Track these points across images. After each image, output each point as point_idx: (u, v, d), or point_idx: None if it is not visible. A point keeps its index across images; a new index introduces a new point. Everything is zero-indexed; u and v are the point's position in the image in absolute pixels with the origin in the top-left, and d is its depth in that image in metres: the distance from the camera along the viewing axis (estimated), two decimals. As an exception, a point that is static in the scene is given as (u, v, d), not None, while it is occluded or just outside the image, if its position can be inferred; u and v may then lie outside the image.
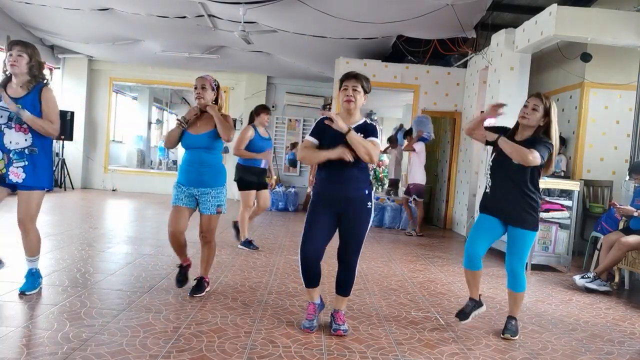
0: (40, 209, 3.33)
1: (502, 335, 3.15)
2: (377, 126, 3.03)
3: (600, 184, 6.66)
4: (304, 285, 3.07)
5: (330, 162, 2.89)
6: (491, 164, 3.21)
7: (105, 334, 2.71)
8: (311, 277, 3.00)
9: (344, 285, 3.04)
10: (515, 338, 3.13)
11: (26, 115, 3.08)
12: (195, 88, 3.44)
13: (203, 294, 3.54)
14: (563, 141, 6.97)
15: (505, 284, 3.32)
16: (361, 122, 2.97)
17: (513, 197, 3.11)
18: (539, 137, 3.05)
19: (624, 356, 3.00)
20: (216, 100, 3.52)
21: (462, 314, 3.28)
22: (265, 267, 4.64)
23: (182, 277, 3.63)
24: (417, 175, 7.48)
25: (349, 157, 2.81)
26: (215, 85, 3.51)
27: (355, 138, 2.81)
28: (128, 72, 11.15)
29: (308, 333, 2.95)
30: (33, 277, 3.35)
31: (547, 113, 3.05)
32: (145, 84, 11.94)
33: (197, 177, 3.43)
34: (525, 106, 3.10)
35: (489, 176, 3.25)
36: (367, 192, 2.97)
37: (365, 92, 2.96)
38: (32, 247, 3.33)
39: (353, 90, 2.90)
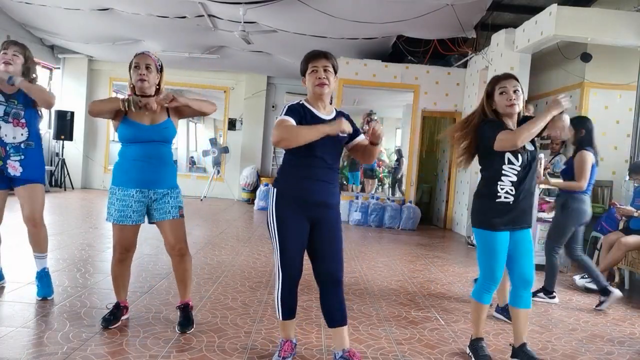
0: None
1: None
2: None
3: (600, 184, 6.65)
4: (280, 319, 2.47)
5: (309, 162, 2.39)
6: (519, 169, 2.64)
7: (105, 334, 2.71)
8: (293, 305, 2.48)
9: (338, 309, 2.44)
10: None
11: (19, 80, 3.02)
12: (137, 67, 2.79)
13: (194, 327, 2.90)
14: (563, 141, 6.96)
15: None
16: (334, 113, 2.49)
17: (532, 197, 2.74)
18: (527, 116, 2.74)
19: (624, 356, 3.00)
20: (159, 85, 2.90)
21: (486, 357, 2.73)
22: (265, 267, 4.64)
23: (112, 317, 2.86)
24: None
25: (348, 129, 2.33)
26: (159, 65, 2.88)
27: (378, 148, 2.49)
28: (128, 72, 11.14)
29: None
30: (48, 278, 3.32)
31: (522, 91, 2.71)
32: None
33: (157, 176, 2.80)
34: (504, 93, 2.65)
35: (510, 184, 2.65)
36: (339, 199, 2.54)
37: (336, 72, 2.44)
38: (41, 243, 3.33)
39: (325, 71, 2.37)
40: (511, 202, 2.66)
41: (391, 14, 6.65)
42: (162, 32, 8.33)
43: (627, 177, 5.54)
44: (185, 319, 2.91)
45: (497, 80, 2.72)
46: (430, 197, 9.91)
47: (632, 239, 4.45)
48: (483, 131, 2.68)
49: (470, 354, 2.78)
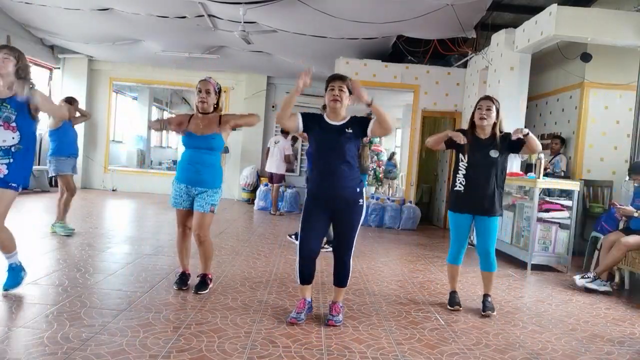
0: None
1: (483, 313, 3.57)
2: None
3: (600, 184, 6.66)
4: (298, 283, 3.24)
5: (321, 162, 3.06)
6: (466, 164, 3.56)
7: (105, 334, 2.71)
8: (307, 275, 3.19)
9: (340, 277, 3.22)
10: (494, 313, 3.60)
11: (36, 98, 3.20)
12: (200, 91, 3.53)
13: (207, 290, 3.62)
14: (563, 141, 6.97)
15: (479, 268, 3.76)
16: (348, 118, 3.11)
17: (487, 192, 3.51)
18: (508, 133, 3.57)
19: (624, 356, 3.00)
20: (217, 104, 3.61)
21: (456, 303, 3.69)
22: (265, 267, 4.64)
23: (182, 283, 3.67)
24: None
25: (305, 79, 2.90)
26: (217, 89, 3.60)
27: (379, 107, 2.94)
28: (128, 72, 11.15)
29: (294, 324, 3.06)
30: (14, 272, 3.33)
31: (497, 111, 3.54)
32: (145, 84, 11.95)
33: (196, 177, 3.51)
34: (479, 109, 3.53)
35: (462, 176, 3.58)
36: (358, 190, 3.09)
37: (350, 92, 3.07)
38: (4, 245, 3.32)
39: (339, 91, 3.03)
40: (462, 191, 3.59)
41: (391, 14, 6.64)
42: (162, 32, 8.33)
43: (627, 177, 5.54)
44: (201, 282, 3.64)
45: (479, 99, 3.63)
46: (430, 197, 9.91)
47: (632, 239, 4.45)
48: None
49: (447, 302, 3.74)
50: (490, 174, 3.51)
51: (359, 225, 3.14)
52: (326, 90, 3.10)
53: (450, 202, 3.73)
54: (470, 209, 3.59)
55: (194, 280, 3.74)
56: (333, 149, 3.03)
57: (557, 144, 6.89)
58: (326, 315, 3.20)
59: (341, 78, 3.07)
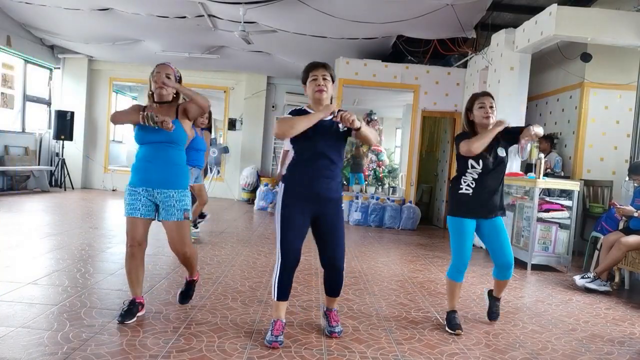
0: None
1: (489, 319, 3.46)
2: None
3: (600, 184, 6.66)
4: (274, 299, 2.83)
5: (307, 160, 2.75)
6: (481, 169, 3.17)
7: (105, 334, 2.71)
8: (287, 287, 2.82)
9: (335, 287, 2.95)
10: (498, 319, 3.50)
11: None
12: (156, 74, 2.98)
13: (191, 299, 3.33)
14: (551, 140, 7.01)
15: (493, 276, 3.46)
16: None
17: (495, 193, 3.27)
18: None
19: (624, 356, 3.00)
20: (177, 93, 3.08)
21: (457, 326, 3.19)
22: (265, 267, 4.64)
23: (127, 313, 2.91)
24: None
25: (333, 108, 2.69)
26: (178, 76, 3.08)
27: (366, 129, 2.74)
28: (128, 72, 11.15)
29: (275, 348, 2.68)
30: None
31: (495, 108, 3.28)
32: (145, 84, 11.92)
33: (160, 176, 2.92)
34: (481, 107, 3.21)
35: (472, 179, 3.21)
36: (341, 194, 2.89)
37: (333, 81, 2.82)
38: None
39: (323, 79, 2.75)
40: (470, 194, 3.22)
41: (391, 14, 6.65)
42: (162, 32, 8.33)
43: (627, 177, 5.54)
44: (187, 290, 3.32)
45: (476, 97, 3.29)
46: (430, 197, 9.91)
47: (632, 239, 4.45)
48: (456, 141, 3.29)
49: (445, 323, 3.27)
50: (499, 174, 3.25)
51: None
52: (306, 81, 2.80)
53: (453, 206, 3.30)
54: (477, 213, 3.22)
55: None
56: (322, 146, 2.72)
57: (542, 142, 6.90)
58: (325, 327, 2.99)
59: (324, 66, 2.79)
